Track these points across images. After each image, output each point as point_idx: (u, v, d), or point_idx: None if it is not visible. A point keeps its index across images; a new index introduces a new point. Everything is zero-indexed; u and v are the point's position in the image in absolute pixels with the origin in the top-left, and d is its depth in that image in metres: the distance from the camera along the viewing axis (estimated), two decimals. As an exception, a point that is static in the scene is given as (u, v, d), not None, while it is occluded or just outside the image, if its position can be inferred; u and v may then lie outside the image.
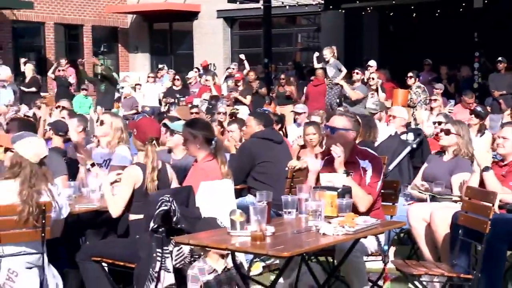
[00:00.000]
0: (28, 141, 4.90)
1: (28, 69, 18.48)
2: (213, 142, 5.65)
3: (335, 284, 5.59)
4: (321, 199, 4.81)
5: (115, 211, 5.38)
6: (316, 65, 16.15)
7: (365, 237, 4.84)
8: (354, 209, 4.93)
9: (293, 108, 11.78)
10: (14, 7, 22.13)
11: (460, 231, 5.31)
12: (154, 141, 5.49)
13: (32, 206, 4.71)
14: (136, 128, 5.53)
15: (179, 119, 7.35)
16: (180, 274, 5.17)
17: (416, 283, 5.25)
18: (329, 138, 5.55)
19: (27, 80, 18.15)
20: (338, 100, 14.19)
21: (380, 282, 5.68)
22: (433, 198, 6.33)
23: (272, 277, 5.88)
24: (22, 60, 19.53)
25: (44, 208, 4.75)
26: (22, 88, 17.81)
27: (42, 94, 17.49)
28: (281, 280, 5.11)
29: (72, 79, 19.17)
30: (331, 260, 5.57)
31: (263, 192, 4.86)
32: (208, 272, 4.91)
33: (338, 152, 5.27)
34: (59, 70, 19.10)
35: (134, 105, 17.22)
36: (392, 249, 6.92)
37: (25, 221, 4.71)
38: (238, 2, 18.28)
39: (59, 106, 12.20)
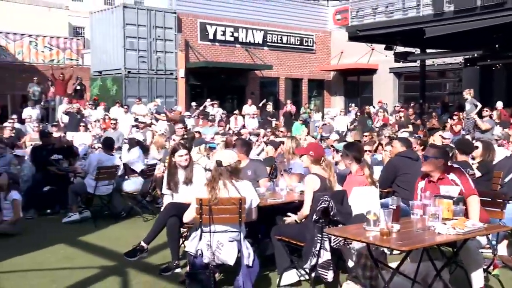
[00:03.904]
0: (225, 153, 4.68)
1: (269, 107, 19.18)
2: (361, 160, 5.03)
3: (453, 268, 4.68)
4: (440, 205, 4.02)
5: (304, 208, 4.84)
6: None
7: (474, 238, 3.96)
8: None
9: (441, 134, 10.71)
10: (261, 69, 22.86)
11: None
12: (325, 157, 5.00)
13: (233, 199, 4.42)
14: (313, 150, 4.99)
15: (345, 141, 6.79)
16: (337, 253, 4.65)
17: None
18: (424, 164, 4.54)
19: (270, 113, 18.83)
20: (472, 128, 12.86)
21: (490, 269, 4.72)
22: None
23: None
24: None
25: (240, 201, 4.44)
26: (269, 118, 18.29)
27: (274, 122, 17.66)
28: (408, 260, 4.30)
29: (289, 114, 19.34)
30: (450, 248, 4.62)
31: (395, 198, 4.13)
32: None
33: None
34: (286, 108, 19.41)
35: (332, 130, 16.72)
36: (505, 242, 5.80)
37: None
38: (401, 62, 17.35)
39: (279, 130, 12.20)
